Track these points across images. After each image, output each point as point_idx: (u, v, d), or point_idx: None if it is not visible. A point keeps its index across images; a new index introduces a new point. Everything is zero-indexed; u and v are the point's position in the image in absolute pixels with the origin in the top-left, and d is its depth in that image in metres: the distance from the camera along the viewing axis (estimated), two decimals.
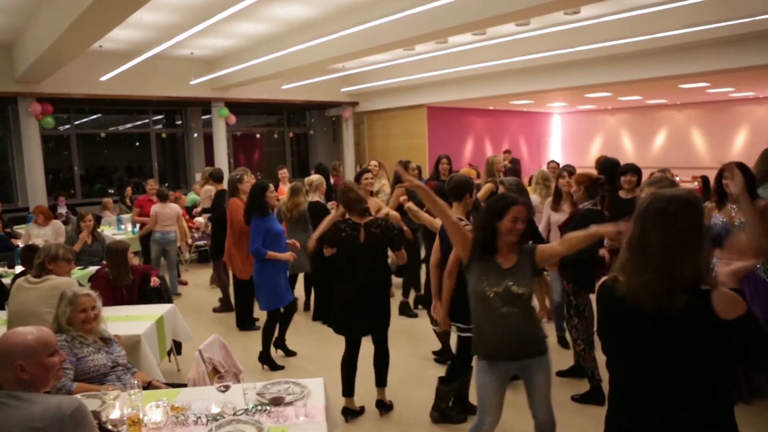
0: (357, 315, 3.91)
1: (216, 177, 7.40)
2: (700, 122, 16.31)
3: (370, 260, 3.89)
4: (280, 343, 5.27)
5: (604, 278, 1.86)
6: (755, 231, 2.88)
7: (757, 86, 12.04)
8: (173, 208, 7.44)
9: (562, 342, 5.16)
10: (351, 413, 3.99)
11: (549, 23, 8.96)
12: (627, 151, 17.47)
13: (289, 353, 5.28)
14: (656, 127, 17.26)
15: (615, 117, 18.29)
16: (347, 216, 3.99)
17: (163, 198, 7.44)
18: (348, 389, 4.01)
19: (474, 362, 2.96)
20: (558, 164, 7.77)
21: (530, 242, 3.03)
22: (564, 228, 4.41)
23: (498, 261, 2.78)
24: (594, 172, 6.22)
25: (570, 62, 10.61)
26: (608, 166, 5.99)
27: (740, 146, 15.02)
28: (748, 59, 8.99)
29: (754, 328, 1.62)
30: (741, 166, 3.77)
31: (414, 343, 5.42)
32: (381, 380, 4.06)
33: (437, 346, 5.07)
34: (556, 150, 19.70)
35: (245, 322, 6.15)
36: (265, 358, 5.00)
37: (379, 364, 4.05)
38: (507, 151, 13.43)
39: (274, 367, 4.99)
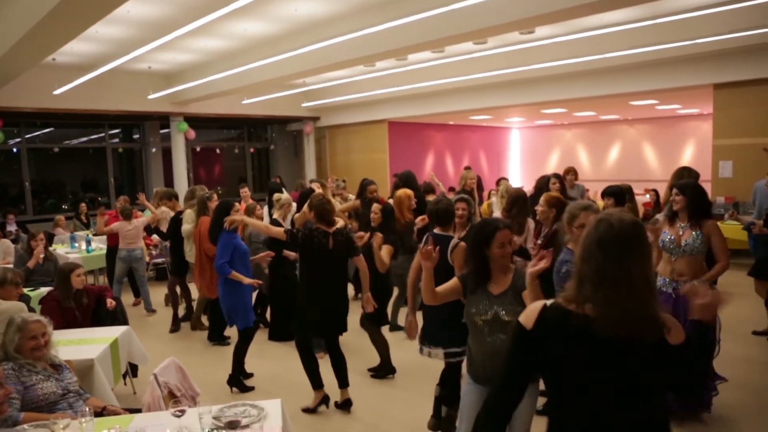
0: (327, 314, 4.22)
1: (170, 197, 7.28)
2: (650, 137, 16.96)
3: (338, 264, 4.26)
4: (233, 378, 4.96)
5: (540, 306, 1.74)
6: None
7: (701, 104, 12.63)
8: (137, 223, 7.29)
9: None
10: (327, 401, 4.33)
11: (505, 42, 9.22)
12: (583, 165, 17.99)
13: (245, 380, 5.03)
14: (610, 142, 17.85)
15: (571, 131, 18.83)
16: (316, 225, 4.26)
17: (126, 216, 7.28)
18: (316, 382, 4.31)
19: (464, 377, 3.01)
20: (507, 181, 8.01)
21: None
22: (544, 248, 4.47)
23: (489, 288, 2.82)
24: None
25: (526, 79, 10.92)
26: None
27: (688, 159, 15.63)
28: (692, 79, 9.46)
29: (692, 353, 1.66)
30: (694, 187, 3.89)
31: (362, 358, 5.40)
32: (343, 381, 4.34)
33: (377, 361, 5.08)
34: (515, 164, 20.13)
35: (216, 337, 6.13)
36: (235, 381, 4.88)
37: (337, 367, 4.32)
38: (467, 168, 13.87)
39: (244, 389, 4.87)
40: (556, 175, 6.52)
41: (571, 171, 7.57)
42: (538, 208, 4.49)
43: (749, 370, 4.87)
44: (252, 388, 4.91)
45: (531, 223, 4.92)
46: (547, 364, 1.71)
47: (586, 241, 1.69)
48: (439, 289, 2.93)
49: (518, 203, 5.02)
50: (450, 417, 3.79)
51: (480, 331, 2.79)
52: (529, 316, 1.73)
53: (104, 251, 8.02)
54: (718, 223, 4.01)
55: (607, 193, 5.12)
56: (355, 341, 5.44)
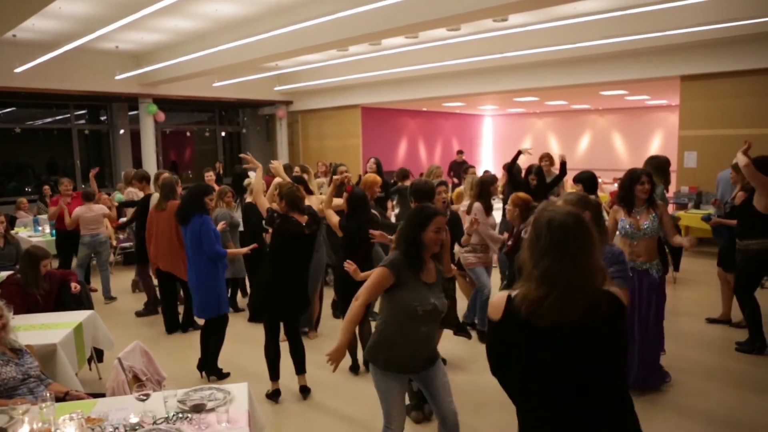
0: (285, 300, 4.27)
1: (141, 178, 7.09)
2: (619, 127, 17.25)
3: (308, 250, 4.34)
4: (213, 367, 4.85)
5: (505, 297, 1.77)
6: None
7: (669, 95, 12.87)
8: (97, 209, 7.07)
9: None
10: (278, 395, 4.31)
11: (479, 29, 9.23)
12: (554, 153, 18.16)
13: (222, 376, 4.85)
14: (580, 131, 18.10)
15: (542, 120, 19.03)
16: (290, 213, 4.26)
17: (88, 198, 7.07)
18: (274, 374, 4.32)
19: (372, 370, 2.90)
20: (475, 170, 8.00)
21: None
22: (510, 253, 4.56)
23: (422, 277, 2.78)
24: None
25: (499, 67, 10.97)
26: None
27: (655, 149, 15.98)
28: (660, 70, 9.64)
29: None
30: (648, 174, 4.12)
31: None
32: (300, 368, 4.40)
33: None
34: (488, 151, 20.27)
35: (186, 325, 6.02)
36: (213, 369, 4.77)
37: (293, 353, 4.38)
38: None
39: (222, 376, 4.77)
40: (536, 171, 6.36)
41: (545, 157, 7.64)
42: (507, 207, 4.64)
43: (706, 347, 5.07)
44: (228, 375, 4.81)
45: (477, 206, 5.10)
46: (515, 354, 1.76)
47: (535, 238, 1.75)
48: (366, 290, 2.78)
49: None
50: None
51: (417, 322, 2.73)
52: (496, 308, 1.78)
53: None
54: (683, 212, 4.25)
55: (577, 179, 5.24)
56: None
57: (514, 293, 1.77)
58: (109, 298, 7.22)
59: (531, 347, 1.73)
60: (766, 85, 8.84)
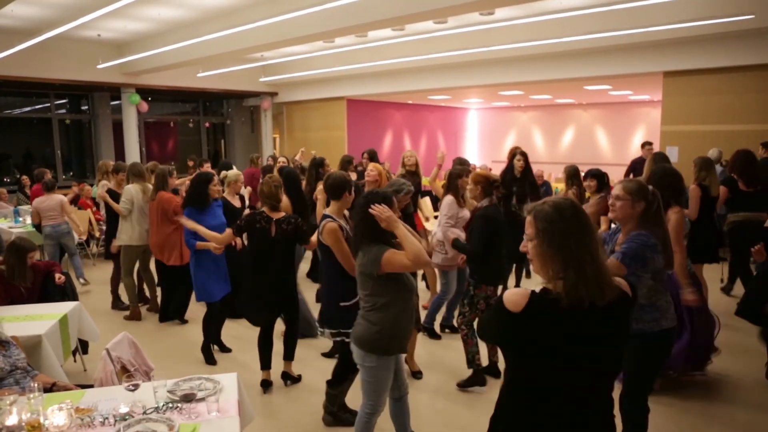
0: (266, 304, 4.28)
1: (125, 171, 6.93)
2: (603, 121, 17.42)
3: (279, 253, 4.17)
4: (216, 339, 5.17)
5: (527, 295, 1.74)
6: None
7: (651, 90, 13.04)
8: (55, 199, 6.87)
9: (452, 329, 5.42)
10: (268, 385, 4.33)
11: (465, 23, 9.25)
12: (538, 147, 18.35)
13: (225, 349, 5.19)
14: (564, 125, 18.25)
15: (527, 114, 19.14)
16: (262, 208, 4.26)
17: (47, 189, 6.89)
18: (265, 363, 4.34)
19: (373, 361, 2.93)
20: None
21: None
22: (468, 227, 4.60)
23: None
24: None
25: (485, 60, 11.01)
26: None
27: (638, 145, 16.17)
28: (643, 66, 9.74)
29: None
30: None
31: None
32: (289, 355, 4.43)
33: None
34: (473, 145, 20.35)
35: (169, 316, 6.04)
36: (203, 349, 4.94)
37: (287, 341, 4.41)
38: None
39: (210, 360, 4.88)
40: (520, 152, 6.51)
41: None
42: (468, 187, 4.64)
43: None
44: (215, 363, 4.88)
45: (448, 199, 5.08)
46: (533, 346, 1.73)
47: (549, 226, 1.75)
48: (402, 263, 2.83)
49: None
50: (332, 395, 3.81)
51: (411, 293, 3.01)
52: (517, 301, 1.72)
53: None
54: None
55: (590, 175, 5.54)
56: None
57: (539, 288, 1.77)
58: (84, 280, 7.26)
59: (559, 335, 1.71)
60: (746, 82, 8.99)
